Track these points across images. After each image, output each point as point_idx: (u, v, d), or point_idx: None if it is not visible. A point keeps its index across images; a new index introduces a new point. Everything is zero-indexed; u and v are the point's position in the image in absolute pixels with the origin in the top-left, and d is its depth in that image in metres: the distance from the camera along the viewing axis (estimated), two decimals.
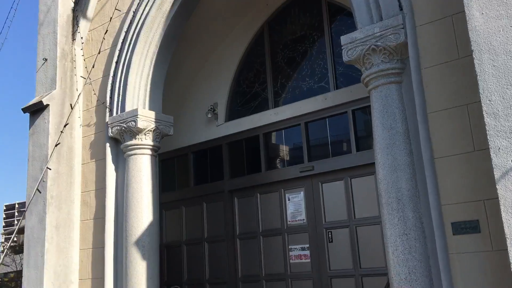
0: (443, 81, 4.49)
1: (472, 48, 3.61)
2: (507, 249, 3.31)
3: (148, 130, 6.83)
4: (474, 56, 3.59)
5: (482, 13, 3.61)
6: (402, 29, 4.80)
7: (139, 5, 7.13)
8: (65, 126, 6.95)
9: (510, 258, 3.25)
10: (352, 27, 7.26)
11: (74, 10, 7.76)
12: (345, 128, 6.95)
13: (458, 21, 4.47)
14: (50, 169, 6.76)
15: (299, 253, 6.97)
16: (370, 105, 5.51)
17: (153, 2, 6.98)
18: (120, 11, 7.30)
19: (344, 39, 5.17)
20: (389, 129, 4.67)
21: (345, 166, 6.70)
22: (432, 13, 4.72)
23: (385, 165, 4.62)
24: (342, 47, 5.17)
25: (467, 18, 3.65)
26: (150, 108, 7.01)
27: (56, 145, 6.78)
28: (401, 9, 4.88)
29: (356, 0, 5.23)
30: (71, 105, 7.12)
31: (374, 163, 5.86)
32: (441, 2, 4.67)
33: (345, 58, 5.12)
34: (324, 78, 7.38)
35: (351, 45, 5.10)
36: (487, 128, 3.46)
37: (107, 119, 7.08)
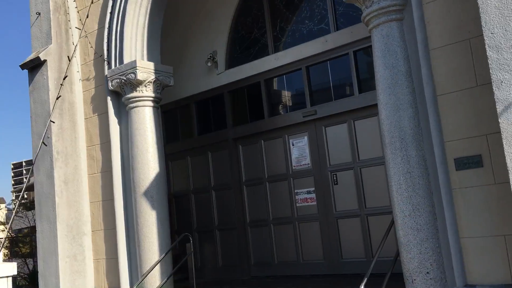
0: (445, 15, 4.39)
1: None
2: (509, 182, 3.35)
3: (148, 82, 6.75)
4: None
5: None
6: None
7: None
8: (64, 78, 6.89)
9: None
10: None
11: None
12: (347, 70, 6.88)
13: None
14: (53, 122, 6.77)
15: (305, 197, 7.09)
16: (371, 45, 5.44)
17: None
18: None
19: None
20: (391, 68, 4.61)
21: (348, 108, 6.69)
22: None
23: (388, 104, 4.59)
24: None
25: None
26: (149, 59, 6.88)
27: (57, 98, 6.74)
28: None
29: None
30: (68, 57, 7.03)
31: (376, 104, 5.90)
32: None
33: None
34: (324, 20, 7.23)
35: None
36: (489, 62, 3.42)
37: (106, 72, 6.97)
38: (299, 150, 7.16)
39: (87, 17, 7.15)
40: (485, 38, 3.46)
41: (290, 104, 7.45)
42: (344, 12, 7.08)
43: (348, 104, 6.71)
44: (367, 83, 6.72)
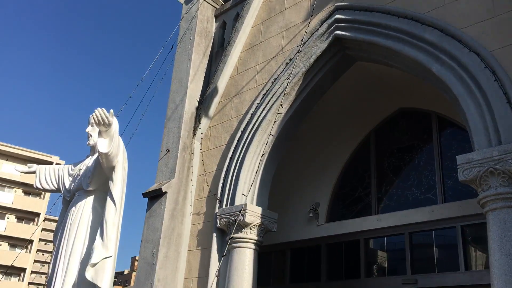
0: None
1: None
2: None
3: (253, 225, 7.04)
4: None
5: None
6: None
7: (256, 108, 7.49)
8: None
9: None
10: (462, 142, 6.87)
11: (198, 108, 8.41)
12: (453, 243, 6.68)
13: None
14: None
15: None
16: (481, 222, 5.39)
17: (271, 107, 7.30)
18: (238, 112, 7.80)
19: (460, 159, 5.05)
20: (508, 254, 4.45)
21: (452, 284, 6.40)
22: None
23: None
24: (457, 167, 5.05)
25: None
26: (257, 204, 7.23)
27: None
28: None
29: (473, 121, 5.11)
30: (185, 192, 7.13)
31: (484, 284, 5.70)
32: None
33: (460, 177, 5.01)
34: (431, 190, 7.10)
35: (467, 165, 4.96)
36: None
37: (217, 210, 7.41)
38: None
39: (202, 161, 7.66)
40: None
41: (389, 267, 7.43)
42: (453, 186, 6.88)
43: (452, 279, 6.43)
44: (475, 260, 6.47)
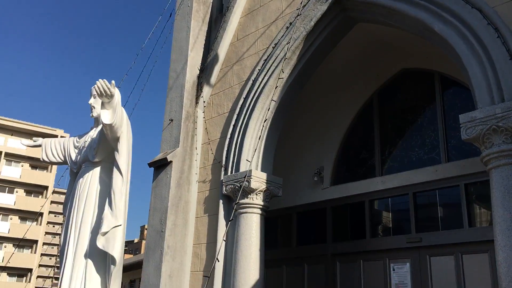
0: None
1: None
2: None
3: (259, 191, 7.13)
4: None
5: None
6: None
7: (258, 74, 7.45)
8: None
9: None
10: (465, 101, 6.85)
11: (199, 77, 8.36)
12: (457, 202, 6.75)
13: None
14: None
15: None
16: (484, 180, 5.44)
17: (272, 72, 7.27)
18: (240, 79, 7.78)
19: (463, 117, 5.05)
20: (510, 210, 4.52)
21: (456, 241, 6.47)
22: None
23: (506, 247, 4.48)
24: (460, 125, 5.06)
25: None
26: (262, 170, 7.29)
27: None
28: None
29: (476, 80, 5.09)
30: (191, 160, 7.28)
31: (487, 240, 5.78)
32: None
33: (463, 136, 5.02)
34: (435, 150, 7.12)
35: (470, 123, 4.98)
36: None
37: (222, 177, 7.48)
38: (400, 276, 7.09)
39: (206, 129, 7.72)
40: None
41: (393, 227, 7.52)
42: (456, 145, 6.89)
43: (456, 236, 6.48)
44: (479, 218, 6.55)
